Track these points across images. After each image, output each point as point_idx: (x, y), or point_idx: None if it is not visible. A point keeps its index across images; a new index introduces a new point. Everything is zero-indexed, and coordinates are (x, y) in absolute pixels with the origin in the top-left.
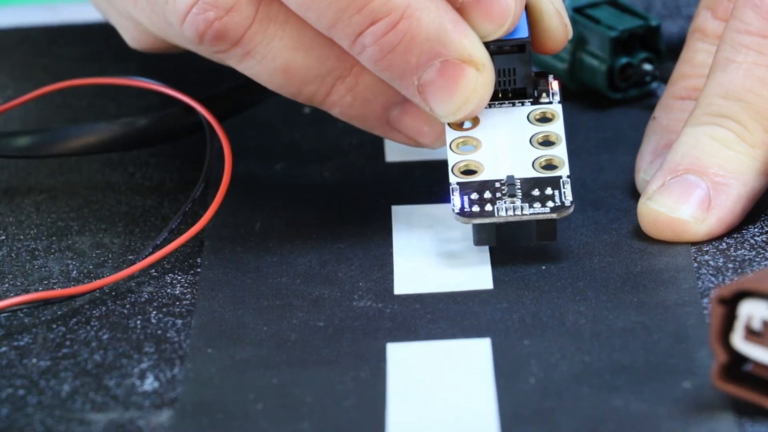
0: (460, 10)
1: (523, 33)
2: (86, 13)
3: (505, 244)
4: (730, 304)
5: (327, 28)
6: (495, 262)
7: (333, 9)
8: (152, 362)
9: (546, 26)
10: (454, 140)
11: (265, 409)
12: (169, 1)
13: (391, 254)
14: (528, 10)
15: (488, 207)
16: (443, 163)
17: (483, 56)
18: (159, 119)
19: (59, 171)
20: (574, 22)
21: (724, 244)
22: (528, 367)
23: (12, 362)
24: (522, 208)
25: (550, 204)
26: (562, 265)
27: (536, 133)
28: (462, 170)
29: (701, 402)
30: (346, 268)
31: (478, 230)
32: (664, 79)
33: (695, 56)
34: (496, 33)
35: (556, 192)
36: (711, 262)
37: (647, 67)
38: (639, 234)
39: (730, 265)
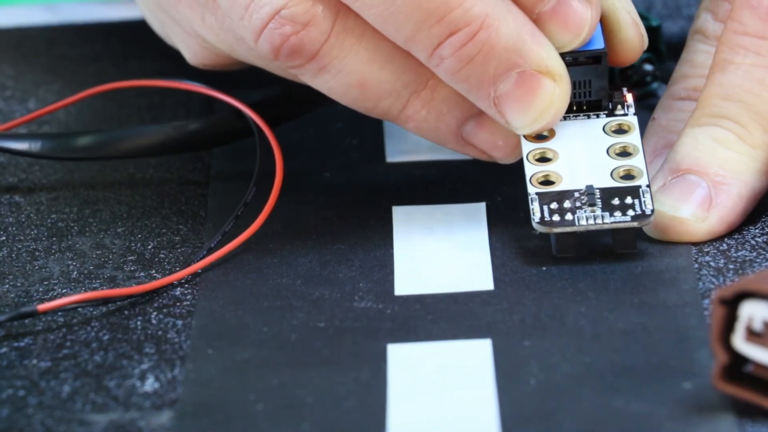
0: (536, 21)
1: (599, 44)
2: (86, 13)
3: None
4: (731, 305)
5: (405, 40)
6: (495, 263)
7: (412, 21)
8: (153, 363)
9: (623, 37)
10: (530, 152)
11: (266, 409)
12: (245, 16)
13: (391, 255)
14: (603, 21)
15: (568, 216)
16: (444, 163)
17: (560, 67)
18: (211, 123)
19: (60, 171)
20: None
21: (724, 245)
22: (528, 368)
23: (12, 363)
24: (602, 217)
25: (630, 213)
26: (562, 265)
27: (613, 144)
28: (540, 181)
29: (702, 403)
30: (346, 269)
31: (559, 239)
32: (665, 79)
33: (695, 57)
34: (572, 44)
35: (636, 201)
36: (712, 263)
37: (648, 67)
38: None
39: (731, 266)
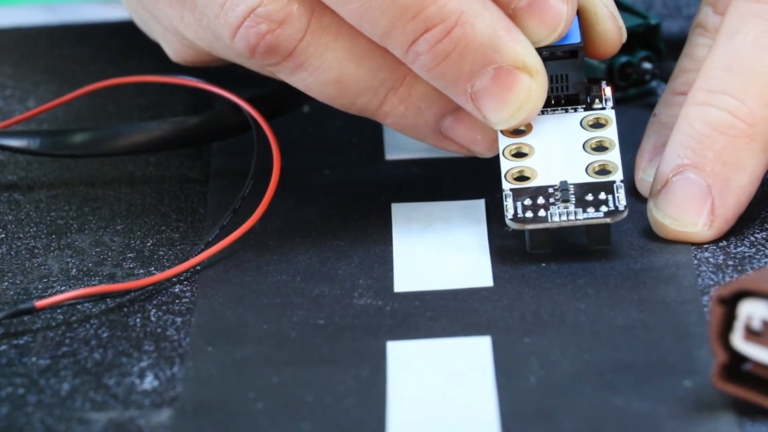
0: (513, 16)
1: (576, 38)
2: (86, 13)
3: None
4: (730, 303)
5: (381, 36)
6: (495, 260)
7: (387, 17)
8: (152, 361)
9: (601, 30)
10: (507, 147)
11: (266, 407)
12: (220, 15)
13: (391, 252)
14: (581, 14)
15: (541, 212)
16: (443, 161)
17: (536, 62)
18: (209, 118)
19: (59, 169)
20: None
21: (724, 241)
22: (528, 365)
23: (12, 361)
24: (575, 213)
25: (603, 209)
26: (562, 262)
27: (589, 139)
28: (515, 176)
29: (702, 400)
30: (346, 266)
31: (532, 236)
32: (664, 77)
33: (696, 51)
34: (548, 38)
35: (610, 197)
36: (711, 259)
37: (647, 65)
38: (639, 231)
39: (730, 262)
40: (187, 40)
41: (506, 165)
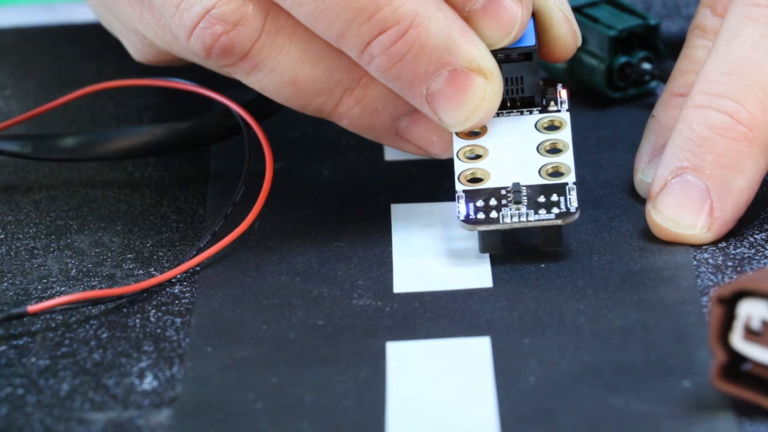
0: (467, 19)
1: (530, 41)
2: (86, 13)
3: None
4: (729, 303)
5: (335, 38)
6: (495, 261)
7: (341, 19)
8: (151, 361)
9: (555, 34)
10: (461, 149)
11: (265, 408)
12: (176, 15)
13: (390, 252)
14: (537, 18)
15: (493, 214)
16: (442, 162)
17: (491, 65)
18: (200, 123)
19: (58, 170)
20: None
21: (723, 242)
22: (528, 366)
23: (11, 361)
24: (527, 215)
25: (555, 210)
26: (561, 263)
27: (543, 141)
28: (468, 178)
29: (701, 401)
30: (345, 267)
31: (484, 237)
32: (664, 78)
33: (694, 53)
34: (503, 41)
35: (562, 198)
36: (710, 260)
37: (646, 66)
38: (638, 232)
39: (730, 263)
40: (148, 40)
41: (460, 167)
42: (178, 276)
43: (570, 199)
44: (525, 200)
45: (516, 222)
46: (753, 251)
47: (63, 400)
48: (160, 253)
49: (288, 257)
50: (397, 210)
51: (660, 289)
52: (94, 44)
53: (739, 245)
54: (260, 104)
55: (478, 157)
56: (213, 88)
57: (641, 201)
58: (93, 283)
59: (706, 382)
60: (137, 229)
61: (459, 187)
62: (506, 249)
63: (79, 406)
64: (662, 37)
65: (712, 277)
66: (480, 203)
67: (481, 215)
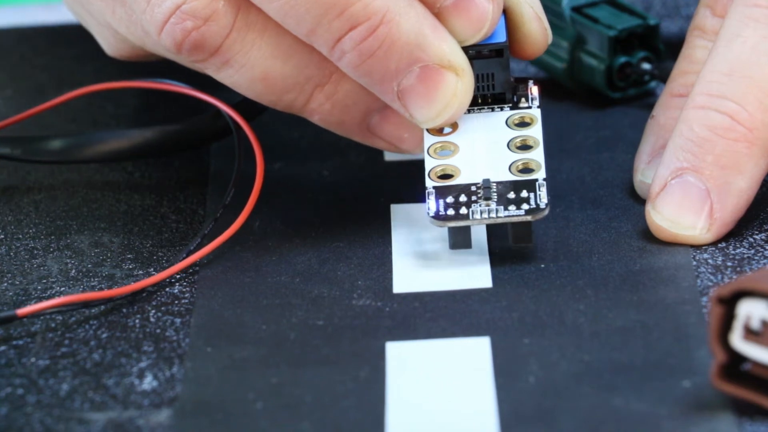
0: (438, 15)
1: (501, 38)
2: None
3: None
4: (729, 303)
5: (306, 34)
6: (494, 261)
7: (312, 14)
8: (151, 361)
9: (526, 31)
10: (431, 145)
11: (265, 408)
12: (147, 10)
13: (390, 253)
14: (507, 15)
15: (463, 210)
16: None
17: (462, 61)
18: (190, 125)
19: (58, 170)
20: (572, 21)
21: (723, 242)
22: (527, 366)
23: (11, 361)
24: (497, 211)
25: (525, 206)
26: (561, 263)
27: (514, 138)
28: (439, 174)
29: (701, 401)
30: (345, 267)
31: (453, 233)
32: (663, 78)
33: (694, 53)
34: (474, 38)
35: (532, 195)
36: (710, 260)
37: (646, 66)
38: (638, 232)
39: (729, 264)
40: (120, 35)
41: (430, 163)
42: (178, 275)
43: (540, 195)
44: (495, 196)
45: (485, 218)
46: (753, 251)
47: (63, 400)
48: (160, 254)
49: (288, 257)
50: (397, 210)
51: (660, 289)
52: (94, 44)
53: (738, 245)
54: (250, 104)
55: (448, 153)
56: (205, 89)
57: (641, 201)
58: (93, 284)
59: (705, 382)
60: (137, 230)
61: (429, 183)
62: (507, 249)
63: (79, 406)
64: (662, 37)
65: (711, 277)
66: (450, 199)
67: (450, 211)
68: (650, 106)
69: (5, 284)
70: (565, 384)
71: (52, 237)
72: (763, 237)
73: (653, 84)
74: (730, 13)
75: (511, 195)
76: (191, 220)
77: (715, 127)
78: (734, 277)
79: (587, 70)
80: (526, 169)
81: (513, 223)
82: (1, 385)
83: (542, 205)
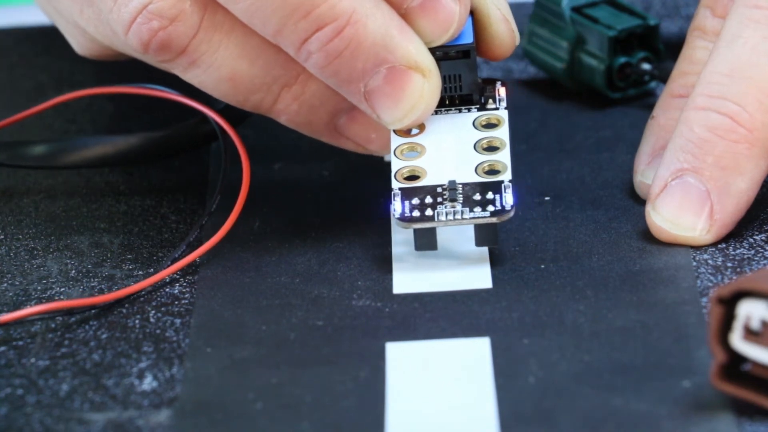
0: (405, 16)
1: (468, 39)
2: None
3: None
4: (729, 303)
5: (272, 34)
6: (494, 261)
7: (278, 15)
8: (151, 362)
9: (493, 32)
10: (398, 146)
11: (265, 408)
12: (114, 10)
13: (390, 253)
14: (475, 16)
15: (428, 212)
16: None
17: (429, 62)
18: (176, 131)
19: (58, 170)
20: (572, 21)
21: (723, 242)
22: (527, 366)
23: (11, 361)
24: (462, 213)
25: (490, 208)
26: (561, 264)
27: (481, 139)
28: (405, 176)
29: (701, 401)
30: (345, 268)
31: (419, 235)
32: (663, 78)
33: (694, 53)
34: (441, 39)
35: (497, 196)
36: (710, 261)
37: (646, 66)
38: (638, 233)
39: (729, 264)
40: (89, 35)
41: (397, 164)
42: (178, 276)
43: (505, 197)
44: (460, 198)
45: (451, 220)
46: (752, 252)
47: (63, 401)
48: (160, 254)
49: (288, 258)
50: None
51: (660, 289)
52: None
53: (738, 246)
54: (235, 109)
55: (415, 154)
56: (192, 94)
57: (641, 202)
58: (93, 284)
59: (705, 382)
60: (137, 230)
61: (395, 184)
62: (507, 249)
63: (78, 406)
64: (662, 38)
65: (711, 277)
66: (416, 201)
67: (416, 213)
68: (650, 107)
69: (5, 284)
70: (565, 384)
71: (52, 237)
72: (763, 237)
73: (653, 84)
74: (730, 14)
75: (477, 197)
76: (191, 220)
77: (716, 128)
78: (734, 277)
79: (587, 70)
80: (493, 171)
81: (478, 225)
82: (1, 386)
83: (507, 207)
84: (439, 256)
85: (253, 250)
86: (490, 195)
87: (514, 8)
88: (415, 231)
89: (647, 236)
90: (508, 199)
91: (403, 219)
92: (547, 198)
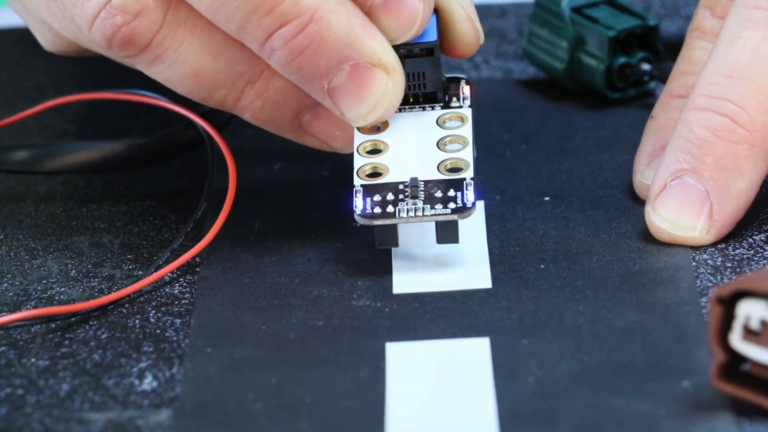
0: (369, 14)
1: (432, 37)
2: None
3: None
4: (729, 303)
5: (236, 30)
6: (494, 262)
7: (241, 11)
8: (151, 362)
9: (457, 31)
10: (361, 144)
11: (264, 408)
12: (78, 5)
13: (390, 253)
14: (439, 14)
15: (390, 208)
16: None
17: (393, 60)
18: (161, 137)
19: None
20: (572, 21)
21: (722, 243)
22: (527, 367)
23: (11, 362)
24: (423, 210)
25: (451, 205)
26: (561, 264)
27: (444, 137)
28: (368, 173)
29: (700, 401)
30: (345, 268)
31: (380, 232)
32: (663, 78)
33: (693, 54)
34: (404, 36)
35: (459, 194)
36: (709, 261)
37: (645, 66)
38: (638, 233)
39: (729, 264)
40: (55, 30)
41: (359, 161)
42: (177, 275)
43: (467, 194)
44: (422, 195)
45: (412, 216)
46: (752, 252)
47: (63, 401)
48: (160, 254)
49: (287, 258)
50: None
51: (659, 289)
52: None
53: (738, 246)
54: (219, 113)
55: (378, 151)
56: (177, 100)
57: (640, 202)
58: (93, 284)
59: (705, 382)
60: (137, 230)
61: (357, 181)
62: (507, 249)
63: (78, 406)
64: (661, 38)
65: (711, 277)
66: (377, 198)
67: (377, 210)
68: (650, 107)
69: (5, 284)
70: (564, 384)
71: (52, 237)
72: (762, 238)
73: (653, 84)
74: (730, 15)
75: (439, 194)
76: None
77: (715, 128)
78: (734, 277)
79: (587, 70)
80: (455, 168)
81: (439, 222)
82: (1, 386)
83: (469, 205)
84: (439, 257)
85: (252, 250)
86: (451, 192)
87: (514, 8)
88: (376, 228)
89: (647, 236)
90: (470, 196)
91: (365, 216)
92: (547, 198)
